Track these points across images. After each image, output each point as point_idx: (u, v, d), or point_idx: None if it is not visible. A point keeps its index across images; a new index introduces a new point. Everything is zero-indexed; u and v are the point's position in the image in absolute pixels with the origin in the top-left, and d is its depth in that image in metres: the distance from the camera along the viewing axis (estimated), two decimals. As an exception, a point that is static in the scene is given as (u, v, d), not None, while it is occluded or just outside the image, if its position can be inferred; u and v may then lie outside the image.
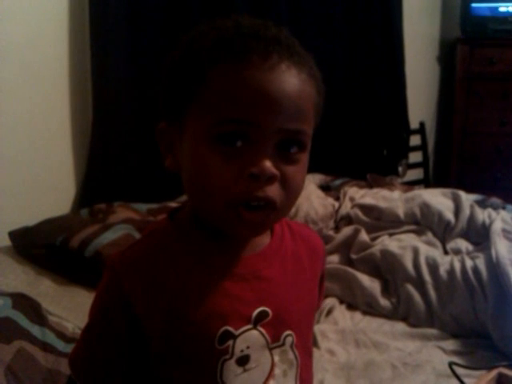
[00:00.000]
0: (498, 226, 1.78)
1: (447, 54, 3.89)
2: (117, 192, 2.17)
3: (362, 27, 3.21)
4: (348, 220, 2.09)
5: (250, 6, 2.57)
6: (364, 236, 1.90)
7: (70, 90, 2.14)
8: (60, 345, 1.29)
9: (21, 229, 1.85)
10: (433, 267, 1.68)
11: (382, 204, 2.05)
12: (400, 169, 3.36)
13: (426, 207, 1.95)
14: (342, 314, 1.66)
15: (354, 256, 1.84)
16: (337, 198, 2.29)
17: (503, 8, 3.55)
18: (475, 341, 1.51)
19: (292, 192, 0.70)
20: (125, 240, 1.69)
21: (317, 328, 1.53)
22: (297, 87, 0.68)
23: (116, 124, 2.23)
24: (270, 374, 0.73)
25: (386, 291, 1.71)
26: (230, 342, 0.71)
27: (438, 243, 1.86)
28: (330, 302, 1.69)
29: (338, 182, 2.60)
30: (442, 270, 1.66)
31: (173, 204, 2.12)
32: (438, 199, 1.99)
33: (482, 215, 1.90)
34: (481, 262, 1.62)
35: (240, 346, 0.71)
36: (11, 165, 1.95)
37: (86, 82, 2.17)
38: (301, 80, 0.69)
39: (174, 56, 0.73)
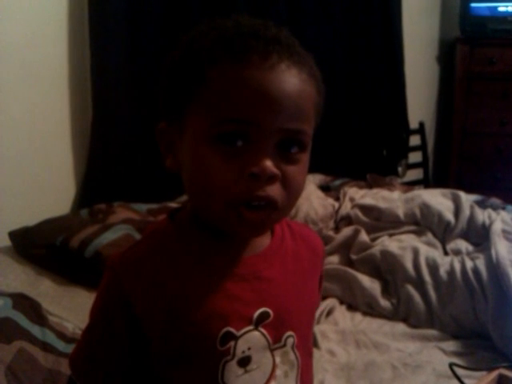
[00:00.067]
0: (497, 226, 1.78)
1: (447, 54, 3.90)
2: (117, 192, 2.16)
3: (362, 27, 3.21)
4: (348, 220, 2.09)
5: (249, 5, 2.57)
6: (364, 236, 1.90)
7: (70, 90, 2.14)
8: (60, 345, 1.29)
9: (21, 229, 1.85)
10: (433, 268, 1.68)
11: (382, 204, 2.05)
12: (400, 169, 3.36)
13: (425, 208, 1.95)
14: (342, 314, 1.66)
15: (353, 256, 1.84)
16: (337, 199, 2.29)
17: (502, 8, 3.55)
18: (475, 342, 1.51)
19: (293, 192, 0.70)
20: (125, 240, 1.69)
21: (317, 328, 1.53)
22: (297, 87, 0.68)
23: (116, 124, 2.23)
24: (272, 375, 0.73)
25: (386, 292, 1.71)
26: (232, 343, 0.70)
27: (438, 244, 1.86)
28: (330, 302, 1.69)
29: (337, 182, 2.60)
30: (442, 271, 1.66)
31: (173, 204, 2.12)
32: (438, 200, 1.99)
33: (481, 216, 1.90)
34: (481, 263, 1.62)
35: (241, 347, 0.71)
36: (11, 165, 1.95)
37: (85, 82, 2.17)
38: (301, 80, 0.69)
39: (174, 56, 0.73)
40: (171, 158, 0.74)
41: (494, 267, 1.56)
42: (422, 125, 3.45)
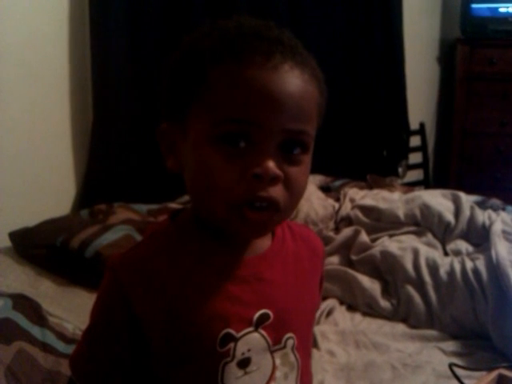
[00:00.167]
0: (498, 227, 1.78)
1: (447, 55, 3.90)
2: (117, 193, 2.17)
3: (362, 28, 3.21)
4: (348, 221, 2.09)
5: (250, 5, 2.57)
6: (364, 237, 1.89)
7: (70, 90, 2.15)
8: (60, 346, 1.29)
9: (21, 229, 1.85)
10: (433, 268, 1.68)
11: (382, 205, 2.05)
12: (400, 170, 3.36)
13: (426, 208, 1.95)
14: (342, 315, 1.66)
15: (354, 257, 1.84)
16: (337, 199, 2.29)
17: (503, 9, 3.55)
18: (475, 342, 1.51)
19: (295, 193, 0.70)
20: (125, 241, 1.69)
21: (317, 329, 1.53)
22: (299, 87, 0.68)
23: (116, 124, 2.23)
24: (271, 377, 0.73)
25: (386, 292, 1.71)
26: (231, 345, 0.70)
27: (438, 244, 1.86)
28: (330, 303, 1.69)
29: (338, 182, 2.60)
30: (442, 271, 1.65)
31: (173, 205, 2.13)
32: (438, 200, 1.99)
33: (482, 216, 1.90)
34: (481, 264, 1.62)
35: (241, 348, 0.71)
36: (11, 165, 1.95)
37: (86, 82, 2.17)
38: (303, 80, 0.69)
39: (176, 56, 0.73)
40: (172, 159, 0.74)
41: (494, 268, 1.56)
42: (422, 125, 3.45)
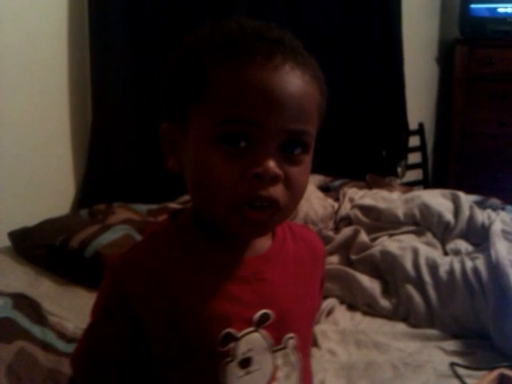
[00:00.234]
0: (497, 226, 1.79)
1: (446, 55, 3.89)
2: (116, 193, 2.17)
3: (361, 28, 3.21)
4: (347, 221, 2.09)
5: (249, 5, 2.57)
6: (364, 237, 1.90)
7: (70, 90, 2.15)
8: (60, 345, 1.29)
9: (21, 229, 1.85)
10: (433, 268, 1.68)
11: (382, 205, 2.06)
12: (399, 170, 3.37)
13: (425, 208, 1.95)
14: (342, 314, 1.66)
15: (353, 257, 1.84)
16: (336, 199, 2.29)
17: (502, 9, 3.55)
18: (476, 341, 1.51)
19: (295, 193, 0.70)
20: (124, 241, 1.69)
21: (317, 328, 1.53)
22: (300, 88, 0.68)
23: (115, 124, 2.23)
24: (273, 377, 0.73)
25: (385, 292, 1.71)
26: (232, 345, 0.70)
27: (438, 244, 1.86)
28: (330, 302, 1.69)
29: (337, 182, 2.60)
30: (442, 271, 1.65)
31: (172, 205, 2.13)
32: (438, 200, 1.99)
33: (481, 216, 1.90)
34: (480, 263, 1.62)
35: (242, 348, 0.71)
36: (11, 165, 1.95)
37: (85, 82, 2.17)
38: (304, 81, 0.69)
39: (177, 56, 0.73)
40: (173, 159, 0.74)
41: (494, 267, 1.56)
42: (421, 125, 3.45)
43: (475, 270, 1.60)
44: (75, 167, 2.21)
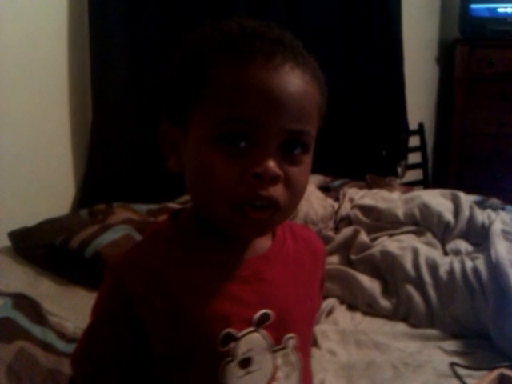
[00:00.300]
0: (497, 226, 1.79)
1: (446, 55, 3.89)
2: (116, 193, 2.17)
3: (361, 28, 3.21)
4: (347, 221, 2.09)
5: (249, 5, 2.57)
6: (364, 237, 1.89)
7: (70, 90, 2.15)
8: (60, 345, 1.29)
9: (20, 229, 1.85)
10: (433, 268, 1.67)
11: (382, 205, 2.06)
12: (399, 170, 3.37)
13: (425, 208, 1.95)
14: (342, 314, 1.66)
15: (353, 257, 1.84)
16: (336, 199, 2.29)
17: (502, 9, 3.55)
18: (476, 341, 1.50)
19: (295, 193, 0.70)
20: (124, 240, 1.69)
21: (317, 328, 1.53)
22: (301, 88, 0.68)
23: (115, 124, 2.23)
24: (273, 377, 0.73)
25: (385, 292, 1.71)
26: (232, 345, 0.71)
27: (438, 244, 1.86)
28: (330, 302, 1.68)
29: (337, 182, 2.60)
30: (442, 271, 1.65)
31: (172, 205, 2.13)
32: (438, 200, 1.99)
33: (481, 216, 1.90)
34: (480, 263, 1.62)
35: (242, 348, 0.71)
36: (11, 165, 1.95)
37: (85, 82, 2.17)
38: (304, 81, 0.69)
39: (178, 56, 0.73)
40: (173, 159, 0.74)
41: (494, 267, 1.56)
42: (421, 125, 3.45)
43: (475, 270, 1.60)
44: (75, 167, 2.21)
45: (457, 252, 1.81)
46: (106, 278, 0.74)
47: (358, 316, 1.67)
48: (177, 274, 0.72)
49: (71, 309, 1.50)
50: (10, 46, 1.91)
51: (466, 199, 2.00)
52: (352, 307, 1.71)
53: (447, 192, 2.05)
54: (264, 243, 0.77)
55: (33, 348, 1.22)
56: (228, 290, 0.72)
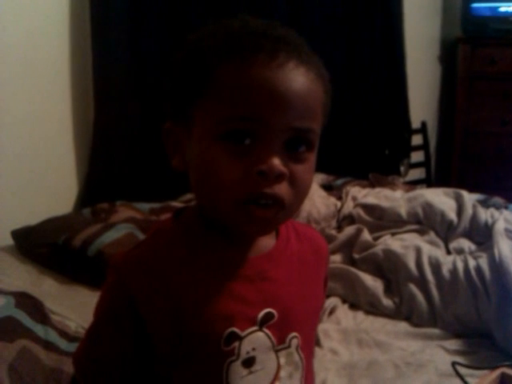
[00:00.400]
0: (500, 225, 1.78)
1: (448, 54, 3.89)
2: (119, 191, 2.17)
3: (363, 27, 3.21)
4: (350, 219, 2.09)
5: (250, 5, 2.57)
6: (366, 235, 1.89)
7: (72, 89, 2.14)
8: (63, 344, 1.29)
9: (23, 228, 1.85)
10: (435, 267, 1.67)
11: (385, 203, 2.05)
12: (402, 168, 3.36)
13: (428, 207, 1.95)
14: (344, 313, 1.66)
15: (356, 255, 1.84)
16: (339, 198, 2.29)
17: (504, 8, 3.55)
18: (478, 340, 1.51)
19: (300, 191, 0.70)
20: (127, 239, 1.69)
21: (319, 327, 1.52)
22: (305, 86, 0.68)
23: (118, 123, 2.23)
24: (276, 376, 0.73)
25: (388, 291, 1.71)
26: (236, 344, 0.70)
27: (441, 243, 1.86)
28: (332, 301, 1.68)
29: (340, 181, 2.60)
30: (445, 270, 1.65)
31: (175, 203, 2.13)
32: (441, 199, 1.99)
33: (484, 215, 1.90)
34: (484, 262, 1.62)
35: (246, 347, 0.71)
36: (13, 164, 1.95)
37: (87, 81, 2.17)
38: (309, 79, 0.69)
39: (181, 55, 0.73)
40: (178, 158, 0.74)
41: (497, 266, 1.56)
42: (424, 124, 3.45)
43: (478, 269, 1.60)
44: (78, 166, 2.21)
45: (460, 251, 1.81)
46: (109, 277, 0.74)
47: (361, 315, 1.67)
48: (180, 272, 0.72)
49: (74, 308, 1.50)
50: (12, 45, 1.91)
51: (469, 198, 2.00)
52: (354, 306, 1.71)
53: (450, 191, 2.05)
54: (268, 242, 0.77)
55: (35, 347, 1.22)
56: (232, 289, 0.72)
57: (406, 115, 3.46)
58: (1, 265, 1.74)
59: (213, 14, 2.32)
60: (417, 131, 3.45)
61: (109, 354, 0.74)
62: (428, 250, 1.75)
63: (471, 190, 2.14)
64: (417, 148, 3.45)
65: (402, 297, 1.67)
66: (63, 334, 1.33)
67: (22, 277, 1.66)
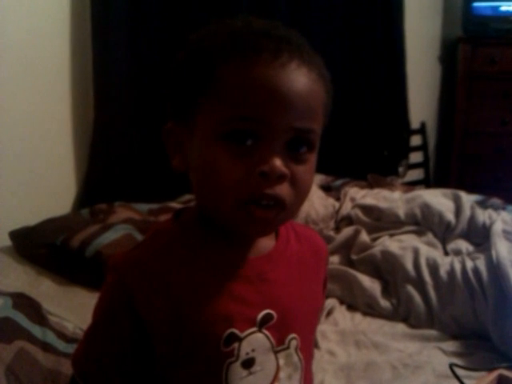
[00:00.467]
0: (498, 226, 1.78)
1: (448, 54, 3.89)
2: (117, 192, 2.17)
3: (364, 27, 3.21)
4: (348, 220, 2.09)
5: (251, 5, 2.57)
6: (364, 237, 1.89)
7: (72, 89, 2.14)
8: (60, 345, 1.29)
9: (21, 229, 1.85)
10: (433, 268, 1.67)
11: (383, 204, 2.05)
12: (400, 169, 3.36)
13: (426, 208, 1.95)
14: (342, 314, 1.66)
15: (354, 257, 1.84)
16: (337, 199, 2.29)
17: (505, 7, 3.55)
18: (475, 342, 1.50)
19: (301, 192, 0.70)
20: (125, 240, 1.70)
21: (317, 328, 1.53)
22: (307, 86, 0.68)
23: (117, 123, 2.23)
24: (275, 378, 0.73)
25: (386, 292, 1.71)
26: (236, 345, 0.70)
27: (439, 244, 1.86)
28: (330, 302, 1.68)
29: (338, 182, 2.60)
30: (443, 271, 1.65)
31: (174, 204, 2.13)
32: (439, 200, 1.99)
33: (482, 216, 1.90)
34: (481, 263, 1.61)
35: (245, 348, 0.71)
36: (12, 164, 1.95)
37: (87, 81, 2.17)
38: (311, 79, 0.69)
39: (183, 55, 0.73)
40: (178, 158, 0.74)
41: (495, 268, 1.56)
42: (423, 125, 3.45)
43: (476, 270, 1.60)
44: (76, 166, 2.21)
45: (457, 252, 1.81)
46: (108, 278, 0.74)
47: (358, 316, 1.67)
48: (180, 273, 0.72)
49: (71, 309, 1.50)
50: (12, 44, 1.91)
51: (467, 199, 1.99)
52: (352, 307, 1.71)
53: (448, 192, 2.05)
54: (268, 243, 0.77)
55: (32, 348, 1.22)
56: (232, 290, 0.72)
57: (406, 115, 3.46)
58: (-1, 266, 1.74)
59: (213, 14, 2.32)
60: (416, 131, 3.46)
61: (108, 355, 0.74)
62: (426, 251, 1.75)
63: (470, 190, 2.14)
64: (416, 148, 3.46)
65: (400, 298, 1.67)
66: (61, 335, 1.33)
67: (20, 278, 1.67)
